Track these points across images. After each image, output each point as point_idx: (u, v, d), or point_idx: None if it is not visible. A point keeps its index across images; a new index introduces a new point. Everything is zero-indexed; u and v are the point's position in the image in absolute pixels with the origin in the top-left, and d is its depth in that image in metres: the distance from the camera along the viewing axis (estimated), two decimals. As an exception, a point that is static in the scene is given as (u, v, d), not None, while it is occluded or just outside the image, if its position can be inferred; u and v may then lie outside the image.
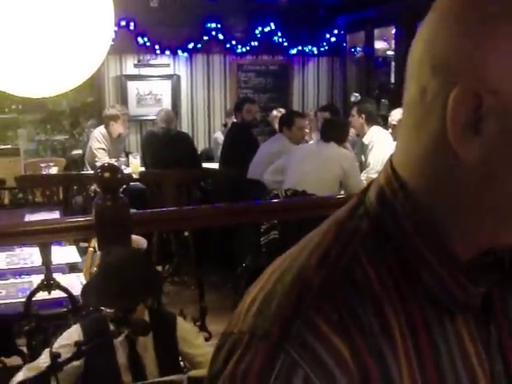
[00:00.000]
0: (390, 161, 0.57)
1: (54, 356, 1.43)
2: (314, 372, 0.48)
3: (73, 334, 1.85)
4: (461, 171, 0.50)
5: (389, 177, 0.56)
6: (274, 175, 4.25)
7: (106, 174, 2.08)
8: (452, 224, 0.53)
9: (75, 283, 2.60)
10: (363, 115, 5.06)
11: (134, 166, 5.42)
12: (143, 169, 5.48)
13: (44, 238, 2.13)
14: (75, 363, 1.67)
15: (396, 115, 4.57)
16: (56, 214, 3.67)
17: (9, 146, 5.54)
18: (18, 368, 2.30)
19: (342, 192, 3.93)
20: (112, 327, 1.73)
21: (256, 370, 0.48)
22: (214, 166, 5.80)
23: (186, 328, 2.02)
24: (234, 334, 0.52)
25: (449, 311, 0.53)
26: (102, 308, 1.77)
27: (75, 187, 5.23)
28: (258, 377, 0.48)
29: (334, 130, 4.21)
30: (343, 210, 0.59)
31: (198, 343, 2.00)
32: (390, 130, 4.64)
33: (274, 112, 6.26)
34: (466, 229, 0.53)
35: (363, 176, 4.55)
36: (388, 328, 0.51)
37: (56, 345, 1.76)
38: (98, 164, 5.18)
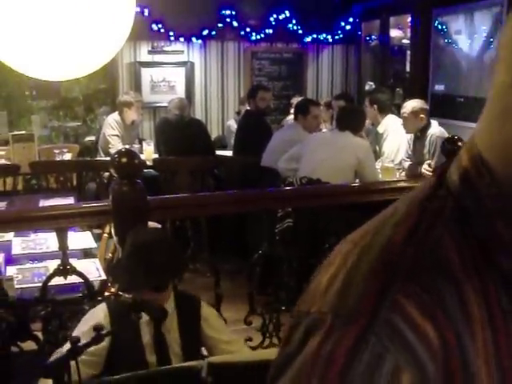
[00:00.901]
0: (474, 142, 0.55)
1: (74, 341, 1.43)
2: (403, 357, 0.46)
3: (99, 312, 1.86)
4: None
5: (474, 159, 0.54)
6: (288, 163, 4.23)
7: (123, 160, 2.07)
8: None
9: (91, 268, 2.60)
10: (375, 105, 5.02)
11: (148, 152, 5.42)
12: (157, 156, 5.47)
13: (61, 222, 2.13)
14: (101, 344, 1.68)
15: (408, 107, 4.51)
16: (70, 200, 3.67)
17: (23, 132, 5.55)
18: (33, 353, 2.32)
19: (357, 181, 3.90)
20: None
21: (343, 352, 0.46)
22: (228, 153, 5.78)
23: (209, 310, 2.03)
24: (313, 314, 0.50)
25: None
26: (121, 293, 1.77)
27: (89, 173, 5.25)
28: (346, 359, 0.46)
29: (350, 119, 4.17)
30: (420, 191, 0.57)
31: (219, 326, 2.01)
32: (402, 122, 4.59)
33: (294, 100, 6.23)
34: None
35: (378, 165, 4.51)
36: (470, 315, 0.49)
37: (82, 324, 1.78)
38: (112, 151, 5.18)
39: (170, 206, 2.18)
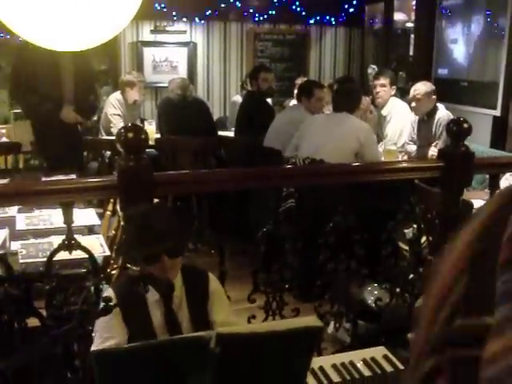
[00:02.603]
0: None
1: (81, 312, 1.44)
2: None
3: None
4: None
5: None
6: (292, 152, 4.19)
7: (130, 135, 2.07)
8: None
9: (95, 244, 2.61)
10: (394, 86, 4.99)
11: (149, 132, 5.39)
12: (158, 136, 5.46)
13: (66, 197, 2.13)
14: (111, 333, 1.70)
15: (422, 89, 4.49)
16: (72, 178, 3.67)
17: (24, 110, 5.52)
18: (36, 329, 2.33)
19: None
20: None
21: None
22: (230, 134, 5.77)
23: (216, 285, 2.04)
24: None
25: None
26: (129, 266, 1.78)
27: (91, 152, 5.25)
28: None
29: (346, 100, 4.14)
30: None
31: (225, 307, 2.01)
32: (414, 104, 4.55)
33: (298, 80, 6.19)
34: None
35: (380, 148, 4.51)
36: None
37: None
38: (114, 130, 5.17)
39: (175, 181, 2.18)
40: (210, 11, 7.08)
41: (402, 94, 5.59)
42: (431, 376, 0.46)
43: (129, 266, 1.81)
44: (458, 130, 2.46)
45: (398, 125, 4.87)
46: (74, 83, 4.22)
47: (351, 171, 2.68)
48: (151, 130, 5.45)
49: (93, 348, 1.79)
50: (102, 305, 1.44)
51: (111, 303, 1.44)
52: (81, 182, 2.29)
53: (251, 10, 7.27)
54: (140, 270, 1.71)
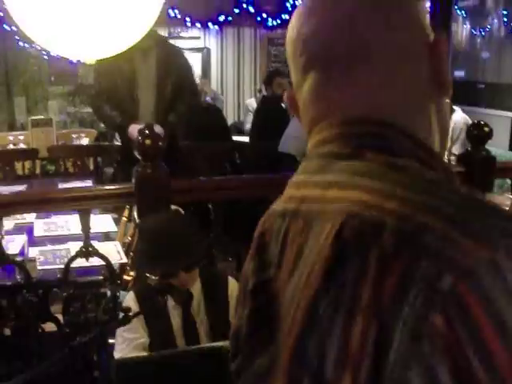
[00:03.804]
0: None
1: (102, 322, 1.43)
2: None
3: (129, 301, 1.87)
4: None
5: None
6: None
7: (147, 142, 2.06)
8: None
9: (112, 251, 2.60)
10: None
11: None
12: (173, 141, 5.45)
13: (84, 204, 2.12)
14: (137, 334, 1.70)
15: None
16: (88, 184, 3.68)
17: (42, 117, 5.57)
18: (53, 334, 2.33)
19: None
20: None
21: None
22: (244, 139, 5.76)
23: (236, 285, 2.02)
24: None
25: None
26: (147, 275, 1.77)
27: (106, 158, 5.26)
28: None
29: None
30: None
31: None
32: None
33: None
34: None
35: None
36: None
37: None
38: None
39: (193, 189, 2.17)
40: (223, 17, 7.10)
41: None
42: None
43: (147, 275, 1.80)
44: (479, 134, 2.42)
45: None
46: (152, 100, 3.84)
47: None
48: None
49: (117, 352, 1.78)
50: (121, 315, 1.43)
51: (130, 313, 1.43)
52: (98, 189, 2.29)
53: (264, 15, 7.27)
54: (158, 281, 1.70)
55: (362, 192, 0.56)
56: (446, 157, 4.31)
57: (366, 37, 0.64)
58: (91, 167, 5.00)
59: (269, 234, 0.68)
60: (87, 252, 2.26)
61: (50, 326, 2.34)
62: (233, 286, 1.99)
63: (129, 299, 1.90)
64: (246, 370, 0.67)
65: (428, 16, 0.71)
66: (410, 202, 0.53)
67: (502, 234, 0.49)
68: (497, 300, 0.46)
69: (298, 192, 0.65)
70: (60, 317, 2.32)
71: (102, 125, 7.34)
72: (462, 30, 6.12)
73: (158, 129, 3.63)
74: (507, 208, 2.58)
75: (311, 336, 0.55)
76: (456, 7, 6.14)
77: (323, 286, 0.55)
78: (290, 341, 0.58)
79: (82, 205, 2.13)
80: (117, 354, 1.84)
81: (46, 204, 2.16)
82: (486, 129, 2.41)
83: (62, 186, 3.57)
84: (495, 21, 5.55)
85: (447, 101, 0.71)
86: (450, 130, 4.46)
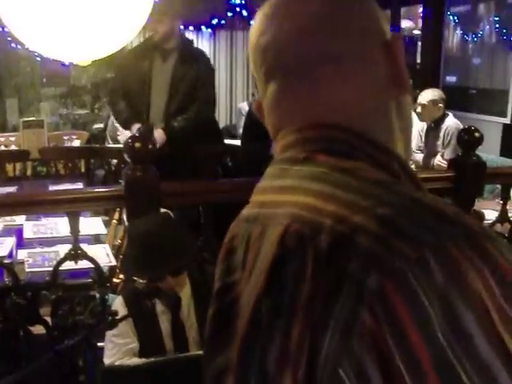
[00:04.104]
0: None
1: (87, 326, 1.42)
2: None
3: (118, 305, 1.86)
4: None
5: None
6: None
7: (137, 144, 2.05)
8: None
9: (101, 254, 2.59)
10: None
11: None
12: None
13: (73, 206, 2.11)
14: (127, 339, 1.69)
15: (428, 95, 4.48)
16: (78, 186, 3.67)
17: (33, 119, 5.55)
18: (42, 336, 2.32)
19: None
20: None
21: None
22: (236, 143, 5.75)
23: None
24: None
25: None
26: (135, 279, 1.76)
27: (97, 160, 5.24)
28: None
29: None
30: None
31: None
32: (419, 110, 4.55)
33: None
34: None
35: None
36: None
37: None
38: (120, 138, 5.16)
39: (184, 192, 2.16)
40: (216, 20, 7.10)
41: (410, 101, 5.57)
42: None
43: (135, 278, 1.79)
44: (470, 140, 2.43)
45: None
46: (164, 101, 3.74)
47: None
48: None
49: (107, 358, 1.77)
50: (108, 318, 1.42)
51: (117, 317, 1.42)
52: (87, 191, 2.28)
53: (258, 19, 7.28)
54: (146, 285, 1.69)
55: (309, 196, 0.58)
56: (435, 161, 4.32)
57: (321, 45, 0.67)
58: (82, 169, 4.98)
59: (237, 238, 0.70)
60: (76, 254, 2.25)
61: (38, 329, 2.33)
62: None
63: (117, 303, 1.89)
64: (205, 371, 0.69)
65: (385, 16, 0.72)
66: (348, 204, 0.54)
67: (431, 233, 0.50)
68: (421, 298, 0.47)
69: (260, 197, 0.68)
70: (49, 319, 2.31)
71: (95, 126, 7.36)
72: (453, 35, 6.15)
73: (156, 133, 3.63)
74: (497, 213, 2.60)
75: (255, 338, 0.58)
76: (448, 13, 6.17)
77: (266, 289, 0.57)
78: (238, 342, 0.60)
79: (71, 207, 2.12)
80: (107, 360, 1.83)
81: (34, 206, 2.15)
82: (477, 134, 2.42)
83: (52, 188, 3.56)
84: (487, 27, 5.58)
85: (409, 98, 0.72)
86: (442, 134, 4.48)
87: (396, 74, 0.68)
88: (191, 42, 4.14)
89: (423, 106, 4.46)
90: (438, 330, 0.46)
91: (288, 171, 0.64)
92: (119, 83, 3.85)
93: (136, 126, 3.55)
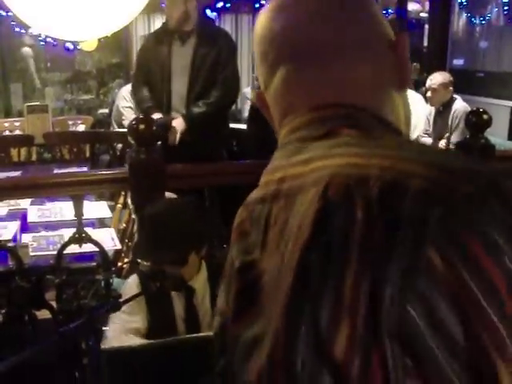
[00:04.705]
0: None
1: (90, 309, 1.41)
2: None
3: (132, 285, 1.84)
4: None
5: None
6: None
7: (141, 126, 2.03)
8: None
9: (106, 238, 2.58)
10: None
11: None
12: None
13: (78, 189, 2.10)
14: (134, 318, 1.68)
15: (438, 79, 4.43)
16: (84, 170, 3.65)
17: (37, 103, 5.53)
18: (48, 321, 2.31)
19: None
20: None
21: None
22: (241, 127, 5.73)
23: None
24: None
25: None
26: (139, 261, 1.75)
27: (102, 145, 5.23)
28: None
29: None
30: None
31: None
32: (429, 94, 4.49)
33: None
34: None
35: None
36: None
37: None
38: (125, 122, 5.14)
39: (188, 174, 2.15)
40: (221, 3, 7.04)
41: (417, 85, 5.52)
42: None
43: (139, 261, 1.77)
44: (478, 122, 2.40)
45: (412, 117, 4.80)
46: (185, 87, 3.56)
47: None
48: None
49: (109, 331, 1.76)
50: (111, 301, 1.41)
51: (120, 300, 1.40)
52: (92, 174, 2.27)
53: (263, 2, 7.20)
54: (150, 267, 1.67)
55: (343, 157, 0.59)
56: (440, 145, 4.28)
57: (333, 32, 0.69)
58: (87, 154, 4.96)
59: (248, 221, 0.69)
60: (80, 238, 2.24)
61: (43, 314, 2.32)
62: None
63: (131, 283, 1.87)
64: (232, 349, 0.67)
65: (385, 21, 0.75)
66: (391, 157, 0.56)
67: (481, 171, 0.52)
68: (486, 228, 0.48)
69: (274, 176, 0.67)
70: (54, 304, 2.31)
71: (100, 111, 7.33)
72: (460, 18, 6.07)
73: (176, 122, 3.53)
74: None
75: (302, 299, 0.55)
76: (456, -5, 6.10)
77: (313, 238, 0.56)
78: (283, 300, 0.57)
79: (74, 190, 2.11)
80: (108, 333, 1.82)
81: (38, 189, 2.14)
82: (485, 116, 2.38)
83: (57, 172, 3.54)
84: (495, 9, 5.51)
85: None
86: (450, 117, 4.43)
87: (401, 72, 0.71)
88: (211, 22, 3.93)
89: (433, 89, 4.40)
90: (507, 259, 0.48)
91: (307, 147, 0.64)
92: (140, 71, 3.78)
93: (156, 116, 3.40)
